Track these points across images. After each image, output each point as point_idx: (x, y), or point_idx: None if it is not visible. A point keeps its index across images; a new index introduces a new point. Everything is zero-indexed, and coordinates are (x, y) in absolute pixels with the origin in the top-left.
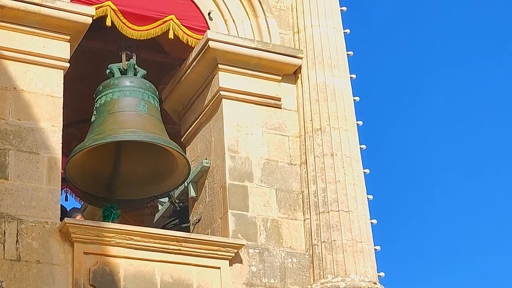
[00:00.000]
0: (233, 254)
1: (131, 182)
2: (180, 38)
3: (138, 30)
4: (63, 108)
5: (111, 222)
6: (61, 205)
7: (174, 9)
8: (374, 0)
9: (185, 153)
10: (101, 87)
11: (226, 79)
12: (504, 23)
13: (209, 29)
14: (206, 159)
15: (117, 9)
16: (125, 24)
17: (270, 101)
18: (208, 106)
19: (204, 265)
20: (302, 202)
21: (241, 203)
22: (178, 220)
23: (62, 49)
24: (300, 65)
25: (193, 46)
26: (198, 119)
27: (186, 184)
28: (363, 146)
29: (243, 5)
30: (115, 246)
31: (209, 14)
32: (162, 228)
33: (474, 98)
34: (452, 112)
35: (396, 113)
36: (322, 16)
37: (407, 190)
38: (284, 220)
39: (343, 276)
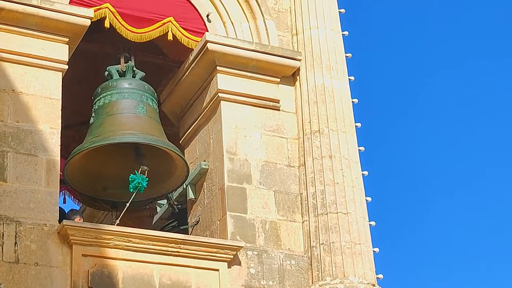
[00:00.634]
0: (232, 256)
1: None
2: (179, 40)
3: (136, 32)
4: (61, 110)
5: (139, 192)
6: (59, 207)
7: (173, 11)
8: (373, 2)
9: (184, 155)
10: (100, 89)
11: (224, 81)
12: (503, 25)
13: (207, 31)
14: (204, 161)
15: (115, 11)
16: (123, 26)
17: (268, 103)
18: (207, 108)
19: (203, 267)
20: (301, 204)
21: (239, 205)
22: (176, 222)
23: (60, 51)
24: (299, 67)
25: (191, 48)
26: (197, 121)
27: (184, 186)
28: (362, 148)
29: (241, 7)
30: (113, 248)
31: (207, 16)
32: (160, 230)
33: (473, 100)
34: (451, 114)
35: (394, 115)
36: (321, 18)
37: (405, 192)
38: (283, 222)
39: (342, 278)
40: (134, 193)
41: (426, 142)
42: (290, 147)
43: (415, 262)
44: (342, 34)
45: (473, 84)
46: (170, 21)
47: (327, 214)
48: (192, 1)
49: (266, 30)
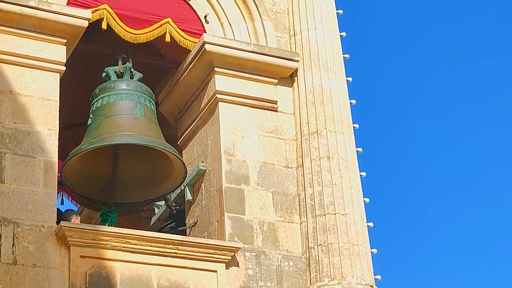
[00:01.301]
0: (230, 257)
1: (128, 185)
2: (177, 41)
3: (134, 34)
4: (59, 111)
5: (109, 226)
6: (57, 208)
7: (171, 12)
8: (371, 3)
9: (182, 156)
10: (98, 90)
11: (222, 82)
12: (502, 25)
13: (205, 32)
14: (202, 162)
15: (113, 12)
16: (121, 27)
17: (266, 104)
18: (205, 109)
19: (201, 268)
20: (299, 205)
21: (237, 206)
22: (174, 223)
23: (58, 52)
24: (297, 68)
25: (189, 49)
26: (195, 122)
27: (182, 187)
28: (360, 149)
29: (239, 8)
30: (111, 249)
31: (205, 17)
32: (158, 231)
33: (471, 100)
34: (449, 114)
35: (392, 116)
36: (319, 19)
37: (403, 193)
38: (281, 223)
39: (340, 279)
40: (107, 224)
41: (424, 142)
42: (288, 148)
43: (413, 263)
44: (340, 35)
45: (472, 85)
46: (168, 22)
47: (325, 215)
48: (190, 3)
49: (264, 31)
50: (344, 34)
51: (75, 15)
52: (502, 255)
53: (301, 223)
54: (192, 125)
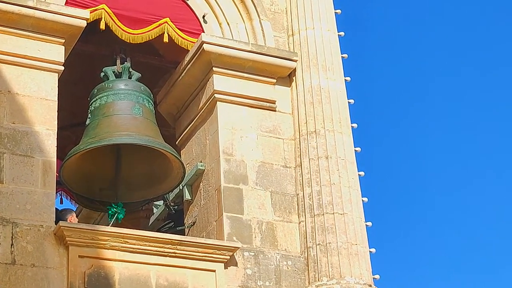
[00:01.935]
0: (228, 257)
1: (126, 185)
2: (175, 41)
3: (132, 33)
4: (57, 111)
5: (116, 222)
6: (55, 208)
7: (169, 12)
8: (369, 2)
9: (180, 156)
10: (96, 90)
11: (220, 82)
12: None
13: (203, 32)
14: (201, 162)
15: (111, 12)
16: (119, 27)
17: (264, 103)
18: (203, 109)
19: (199, 268)
20: (297, 204)
21: (236, 206)
22: (173, 223)
23: (56, 52)
24: (295, 68)
25: (187, 49)
26: (193, 122)
27: (181, 187)
28: (358, 149)
29: (237, 8)
30: (110, 249)
31: (203, 17)
32: (157, 231)
33: (470, 100)
34: (447, 114)
35: (391, 116)
36: (317, 18)
37: (402, 192)
38: (279, 222)
39: (338, 278)
40: (113, 220)
41: (423, 142)
42: (286, 148)
43: (412, 262)
44: (338, 34)
45: (471, 84)
46: (166, 22)
47: (323, 214)
48: (188, 2)
49: (262, 31)
50: (342, 33)
51: (73, 15)
52: (502, 255)
53: (299, 223)
54: (191, 125)
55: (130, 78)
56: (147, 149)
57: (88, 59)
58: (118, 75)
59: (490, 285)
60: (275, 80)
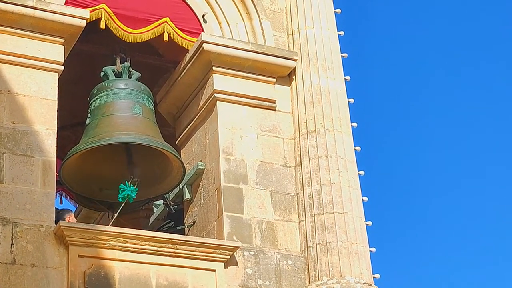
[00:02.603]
0: (228, 257)
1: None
2: (175, 40)
3: (132, 33)
4: (57, 111)
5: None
6: (55, 208)
7: (169, 12)
8: (369, 2)
9: (180, 155)
10: (96, 90)
11: (220, 81)
12: (502, 25)
13: (203, 31)
14: (201, 161)
15: (111, 12)
16: (119, 27)
17: (264, 103)
18: (203, 109)
19: (199, 268)
20: (297, 204)
21: (236, 206)
22: (173, 222)
23: (56, 52)
24: (295, 67)
25: (187, 48)
26: (193, 122)
27: (181, 187)
28: (358, 148)
29: (237, 7)
30: (110, 249)
31: (203, 16)
32: (157, 230)
33: (470, 100)
34: (447, 113)
35: (391, 115)
36: (316, 18)
37: (402, 191)
38: (279, 222)
39: (338, 278)
40: (123, 203)
41: (423, 141)
42: (286, 147)
43: (412, 261)
44: (338, 34)
45: (471, 84)
46: (166, 21)
47: (323, 214)
48: (187, 2)
49: (262, 30)
50: (342, 33)
51: (73, 14)
52: (502, 255)
53: (299, 222)
54: (191, 124)
55: (130, 77)
56: (147, 148)
57: (88, 59)
58: (118, 75)
59: (490, 285)
60: (275, 80)
